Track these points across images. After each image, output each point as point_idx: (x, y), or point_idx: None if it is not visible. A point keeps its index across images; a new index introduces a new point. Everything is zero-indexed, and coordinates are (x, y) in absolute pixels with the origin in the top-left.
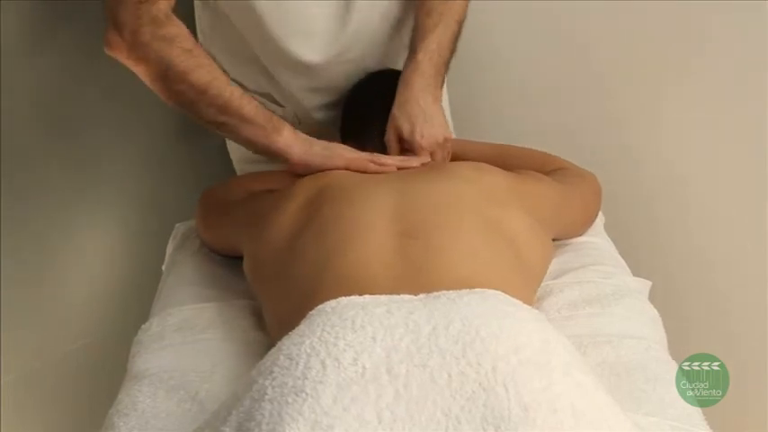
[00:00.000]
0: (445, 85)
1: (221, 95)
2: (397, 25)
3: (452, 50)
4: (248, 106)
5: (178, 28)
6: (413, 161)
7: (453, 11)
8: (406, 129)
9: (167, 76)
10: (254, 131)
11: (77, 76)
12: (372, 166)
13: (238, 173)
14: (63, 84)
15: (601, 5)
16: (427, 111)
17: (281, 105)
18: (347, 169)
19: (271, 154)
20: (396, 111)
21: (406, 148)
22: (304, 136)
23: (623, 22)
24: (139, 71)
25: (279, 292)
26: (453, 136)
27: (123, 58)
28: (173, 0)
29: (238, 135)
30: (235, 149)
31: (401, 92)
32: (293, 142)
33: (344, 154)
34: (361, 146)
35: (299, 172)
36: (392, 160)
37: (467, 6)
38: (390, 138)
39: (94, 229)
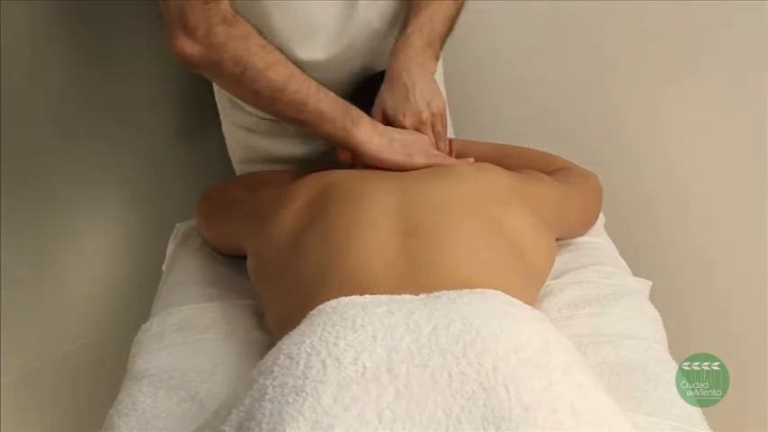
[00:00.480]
0: (445, 86)
1: (300, 91)
2: (399, 26)
3: (448, 27)
4: (326, 100)
5: (248, 26)
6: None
7: None
8: (389, 108)
9: (245, 76)
10: (334, 126)
11: (77, 77)
12: (445, 161)
13: (238, 173)
14: (63, 84)
15: (601, 5)
16: (410, 84)
17: None
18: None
19: (350, 147)
20: (383, 86)
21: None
22: (382, 128)
23: (623, 22)
24: (215, 74)
25: (282, 290)
26: (452, 138)
27: (198, 61)
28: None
29: (317, 129)
30: (235, 150)
31: (389, 67)
32: (373, 135)
33: (427, 151)
34: None
35: (371, 165)
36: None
37: None
38: (376, 115)
39: (94, 229)
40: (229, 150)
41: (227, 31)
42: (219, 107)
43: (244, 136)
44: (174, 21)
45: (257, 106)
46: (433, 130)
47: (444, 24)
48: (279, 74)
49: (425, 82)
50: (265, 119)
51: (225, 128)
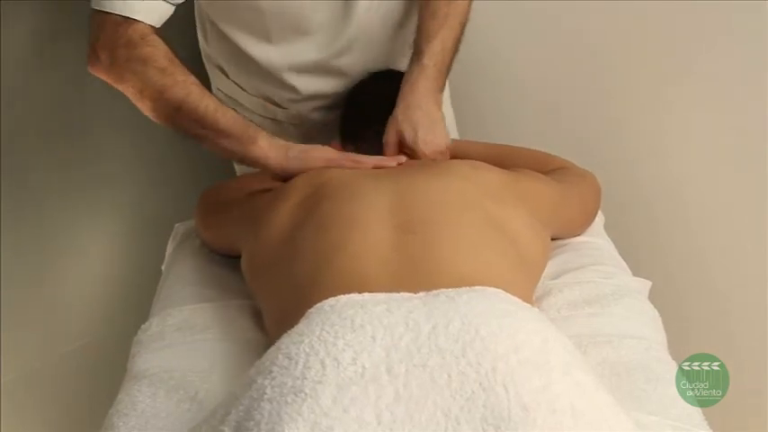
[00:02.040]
0: (447, 85)
1: (196, 110)
2: (398, 27)
3: (455, 52)
4: (223, 118)
5: (153, 48)
6: (389, 161)
7: (457, 12)
8: (409, 134)
9: (144, 94)
10: (231, 143)
11: (77, 78)
12: (349, 164)
13: (238, 173)
14: (63, 85)
15: (601, 6)
16: (430, 117)
17: (282, 107)
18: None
19: (249, 163)
20: (399, 114)
21: (405, 152)
22: (280, 142)
23: (624, 22)
24: (121, 89)
25: (277, 289)
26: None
27: (104, 77)
28: (157, 22)
29: (217, 147)
30: None
31: (405, 95)
32: (269, 151)
33: (323, 155)
34: (359, 147)
35: (280, 178)
36: (369, 159)
37: (470, 7)
38: (390, 140)
39: (94, 229)
40: None
41: (128, 54)
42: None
43: None
44: (91, 35)
45: (161, 123)
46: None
47: (452, 51)
48: (175, 94)
49: (439, 116)
50: (265, 118)
51: None
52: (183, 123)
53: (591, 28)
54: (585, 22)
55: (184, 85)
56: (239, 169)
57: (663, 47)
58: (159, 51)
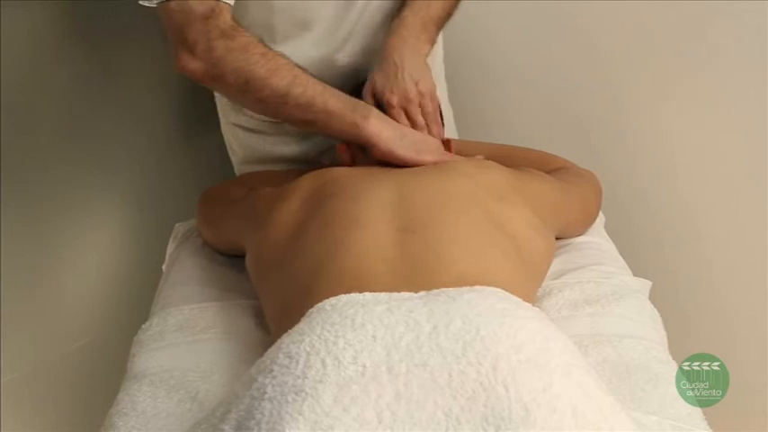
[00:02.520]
0: (446, 85)
1: (304, 94)
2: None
3: (445, 13)
4: (332, 99)
5: (248, 37)
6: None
7: None
8: (378, 85)
9: (248, 86)
10: (343, 123)
11: (77, 79)
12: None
13: (238, 173)
14: (63, 85)
15: (601, 5)
16: (399, 62)
17: None
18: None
19: (362, 142)
20: (374, 67)
21: (388, 105)
22: (394, 123)
23: (624, 22)
24: (219, 87)
25: (280, 287)
26: (452, 139)
27: (201, 77)
28: (230, 9)
29: (328, 128)
30: (235, 150)
31: (382, 48)
32: (382, 129)
33: (436, 150)
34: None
35: (380, 159)
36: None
37: None
38: (366, 95)
39: (95, 229)
40: (229, 150)
41: (226, 45)
42: (219, 108)
43: (243, 136)
44: (175, 38)
45: (265, 113)
46: (422, 110)
47: (440, 10)
48: (281, 79)
49: (415, 62)
50: (265, 119)
51: (224, 128)
52: (290, 110)
53: (591, 28)
54: (586, 21)
55: (289, 68)
56: (240, 169)
57: (663, 46)
58: (254, 39)
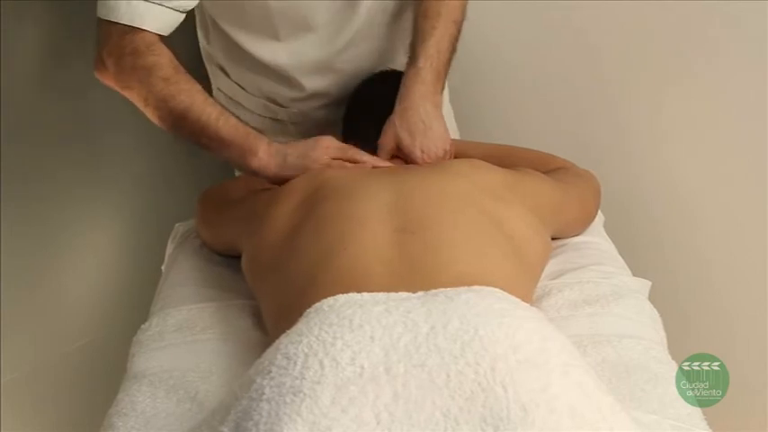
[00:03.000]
0: (447, 85)
1: (199, 120)
2: (397, 28)
3: (452, 52)
4: (225, 128)
5: (158, 57)
6: (385, 163)
7: (450, 11)
8: (406, 140)
9: (149, 102)
10: (231, 153)
11: (77, 79)
12: (350, 161)
13: (237, 174)
14: (63, 86)
15: (601, 5)
16: (427, 121)
17: (283, 107)
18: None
19: (248, 173)
20: (396, 119)
21: (400, 157)
22: (278, 149)
23: (623, 22)
24: (126, 95)
25: (277, 287)
26: (452, 138)
27: (111, 84)
28: (165, 30)
29: (219, 155)
30: None
31: (402, 99)
32: (268, 161)
33: (320, 159)
34: (362, 147)
35: (280, 184)
36: (369, 158)
37: (465, 6)
38: (387, 143)
39: (95, 229)
40: None
41: (133, 62)
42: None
43: None
44: (98, 44)
45: (165, 130)
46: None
47: (448, 51)
48: (178, 104)
49: (437, 119)
50: (264, 117)
51: None
52: (186, 132)
53: (591, 28)
54: (586, 21)
55: (188, 94)
56: (238, 171)
57: (663, 46)
58: (164, 60)
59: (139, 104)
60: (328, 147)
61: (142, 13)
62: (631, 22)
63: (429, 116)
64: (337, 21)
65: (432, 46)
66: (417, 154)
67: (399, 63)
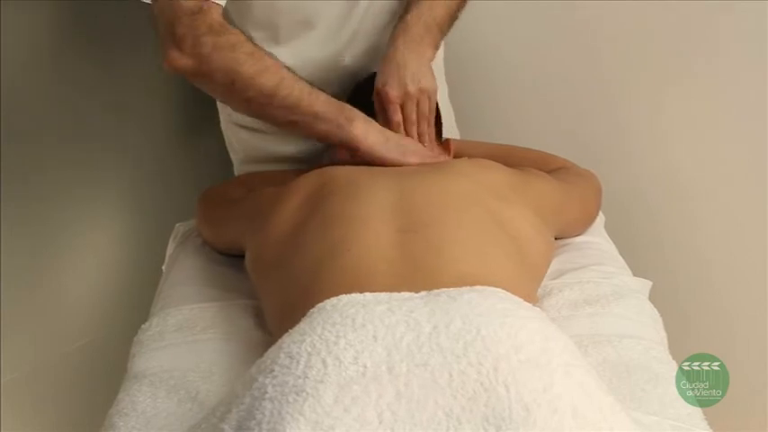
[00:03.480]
0: (447, 85)
1: (291, 95)
2: (401, 11)
3: (449, 18)
4: (318, 102)
5: (236, 35)
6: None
7: None
8: (379, 81)
9: (235, 86)
10: (328, 125)
11: (77, 77)
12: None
13: (237, 173)
14: (63, 85)
15: (601, 5)
16: (405, 64)
17: None
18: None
19: (346, 145)
20: (378, 68)
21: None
22: (378, 127)
23: (623, 22)
24: (206, 85)
25: (280, 287)
26: (452, 138)
27: (189, 73)
28: (220, 9)
29: (312, 131)
30: (236, 150)
31: (386, 51)
32: (368, 132)
33: (420, 152)
34: None
35: (368, 161)
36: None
37: None
38: (374, 97)
39: (95, 229)
40: (230, 149)
41: (213, 42)
42: (219, 106)
43: (244, 135)
44: (164, 33)
45: (250, 114)
46: (418, 108)
47: (444, 15)
48: (268, 80)
49: (418, 64)
50: None
51: (224, 126)
52: (275, 111)
53: (591, 28)
54: (586, 21)
55: (276, 70)
56: (240, 169)
57: (663, 46)
58: (242, 38)
59: (222, 92)
60: (423, 150)
61: None
62: (631, 22)
63: (406, 59)
64: (338, 19)
65: (424, 4)
66: (386, 90)
67: None
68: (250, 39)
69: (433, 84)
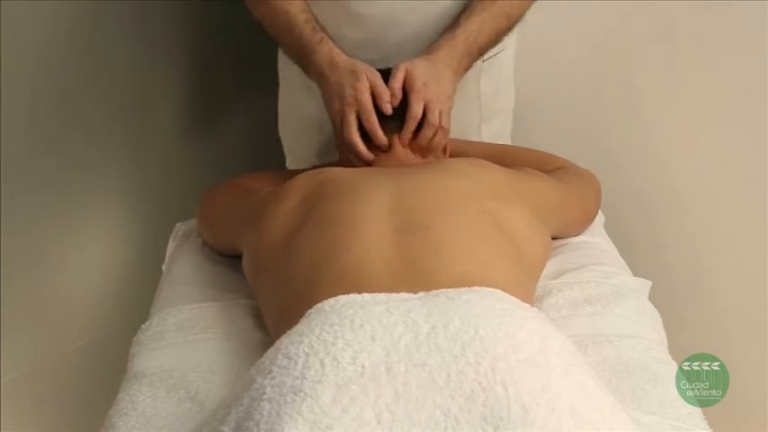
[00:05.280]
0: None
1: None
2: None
3: (493, 40)
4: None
5: None
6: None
7: (507, 3)
8: (418, 75)
9: None
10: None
11: (79, 77)
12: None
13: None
14: (65, 84)
15: (601, 6)
16: (437, 74)
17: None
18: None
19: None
20: (418, 58)
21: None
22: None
23: (623, 22)
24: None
25: (277, 288)
26: (451, 138)
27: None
28: None
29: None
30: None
31: (427, 50)
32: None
33: (360, 85)
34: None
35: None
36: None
37: (524, 7)
38: (400, 69)
39: (95, 228)
40: (280, 123)
41: None
42: (280, 71)
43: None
44: None
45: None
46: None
47: (489, 37)
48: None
49: (448, 80)
50: None
51: (282, 97)
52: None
53: (591, 28)
54: (586, 21)
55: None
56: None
57: (663, 47)
58: None
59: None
60: (371, 81)
61: None
62: (632, 22)
63: (441, 73)
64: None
65: (475, 22)
66: (418, 85)
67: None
68: None
69: (452, 104)
